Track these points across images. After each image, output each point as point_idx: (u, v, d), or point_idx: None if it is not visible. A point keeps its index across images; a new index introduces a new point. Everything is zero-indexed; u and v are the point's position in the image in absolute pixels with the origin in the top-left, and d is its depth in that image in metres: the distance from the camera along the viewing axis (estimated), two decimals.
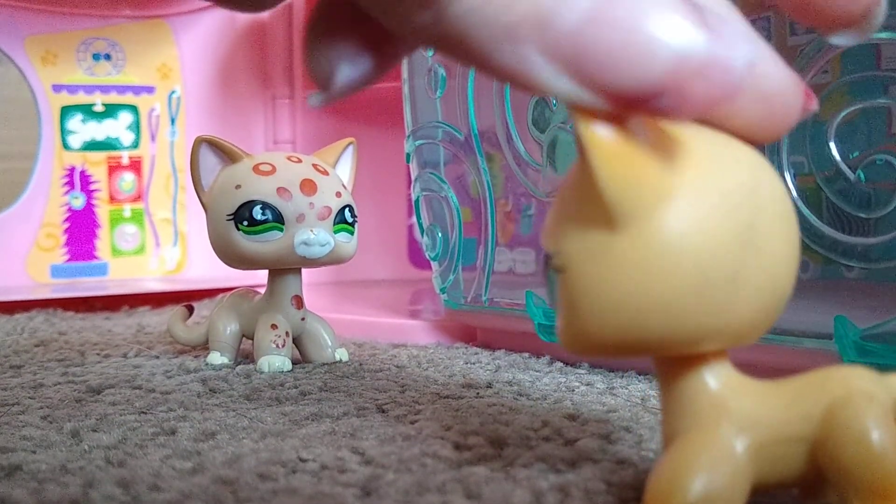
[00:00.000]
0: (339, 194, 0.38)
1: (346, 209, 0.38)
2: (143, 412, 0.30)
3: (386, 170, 0.75)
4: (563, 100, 0.16)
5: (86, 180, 0.75)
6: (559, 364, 0.39)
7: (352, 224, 0.39)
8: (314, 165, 0.39)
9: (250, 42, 0.77)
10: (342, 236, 0.38)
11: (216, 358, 0.40)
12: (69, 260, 0.74)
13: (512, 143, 0.41)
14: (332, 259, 0.38)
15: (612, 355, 0.18)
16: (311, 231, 0.37)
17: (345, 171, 0.42)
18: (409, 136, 0.47)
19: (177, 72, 0.77)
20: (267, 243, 0.36)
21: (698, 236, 0.16)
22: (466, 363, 0.40)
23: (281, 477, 0.23)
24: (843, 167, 0.28)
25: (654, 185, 0.16)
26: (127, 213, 0.76)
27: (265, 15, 0.76)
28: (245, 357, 0.42)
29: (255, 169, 0.38)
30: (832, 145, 0.28)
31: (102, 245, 0.75)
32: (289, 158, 0.39)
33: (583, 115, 0.16)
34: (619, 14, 0.15)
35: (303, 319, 0.40)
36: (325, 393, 0.33)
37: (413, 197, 0.47)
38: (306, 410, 0.30)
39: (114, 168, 0.76)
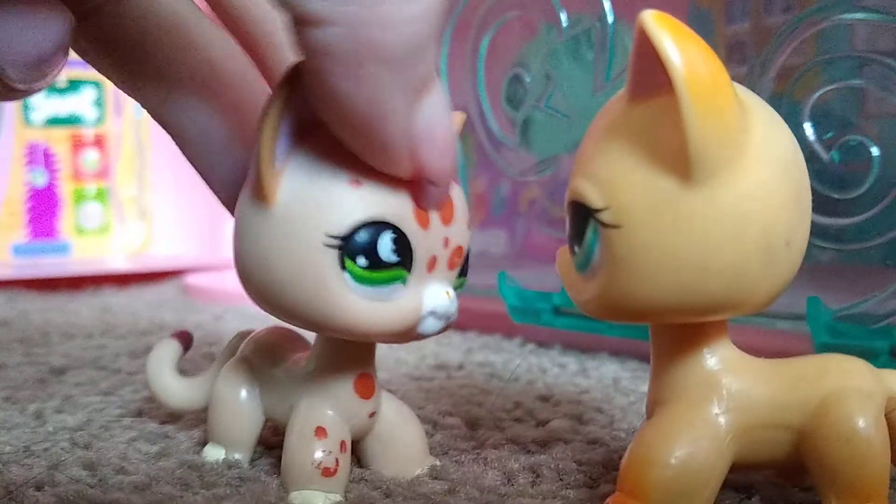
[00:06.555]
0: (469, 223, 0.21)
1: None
2: (107, 393, 0.30)
3: None
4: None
5: (48, 157, 0.73)
6: (531, 346, 0.39)
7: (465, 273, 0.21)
8: None
9: None
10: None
11: (214, 453, 0.23)
12: (31, 239, 0.72)
13: (485, 121, 0.40)
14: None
15: (643, 320, 0.17)
16: (447, 292, 0.20)
17: None
18: None
19: None
20: (382, 304, 0.19)
21: (767, 198, 0.16)
22: (438, 344, 0.40)
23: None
24: (817, 148, 0.28)
25: (736, 141, 0.15)
26: (91, 191, 0.75)
27: None
28: (267, 448, 0.24)
29: None
30: (806, 126, 0.28)
31: (66, 224, 0.74)
32: None
33: (672, 43, 0.15)
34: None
35: (371, 416, 0.22)
36: None
37: None
38: None
39: (77, 145, 0.74)
